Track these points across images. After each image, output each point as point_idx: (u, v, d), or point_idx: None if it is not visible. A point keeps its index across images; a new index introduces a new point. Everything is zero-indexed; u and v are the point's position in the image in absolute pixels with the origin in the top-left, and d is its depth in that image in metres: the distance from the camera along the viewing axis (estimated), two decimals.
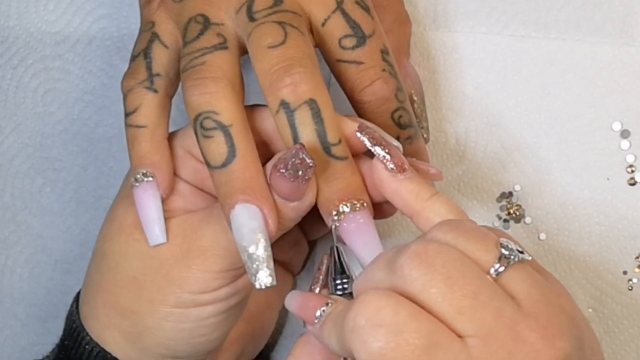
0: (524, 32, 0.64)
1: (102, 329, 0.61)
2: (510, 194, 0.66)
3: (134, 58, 0.60)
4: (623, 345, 0.65)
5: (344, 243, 0.56)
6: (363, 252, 0.56)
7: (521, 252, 0.51)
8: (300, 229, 0.57)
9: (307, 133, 0.55)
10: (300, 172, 0.54)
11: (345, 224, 0.56)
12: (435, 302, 0.49)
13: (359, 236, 0.56)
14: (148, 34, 0.60)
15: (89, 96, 0.72)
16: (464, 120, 0.66)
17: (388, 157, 0.55)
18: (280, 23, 0.56)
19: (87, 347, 0.61)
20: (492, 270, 0.51)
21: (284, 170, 0.54)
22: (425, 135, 0.64)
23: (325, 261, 0.57)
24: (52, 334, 0.64)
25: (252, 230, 0.55)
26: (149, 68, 0.60)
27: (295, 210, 0.56)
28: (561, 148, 0.65)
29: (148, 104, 0.59)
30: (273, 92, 0.55)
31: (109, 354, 0.60)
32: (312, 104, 0.55)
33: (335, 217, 0.56)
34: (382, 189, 0.56)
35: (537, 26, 0.64)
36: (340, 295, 0.55)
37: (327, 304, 0.53)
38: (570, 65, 0.64)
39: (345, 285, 0.56)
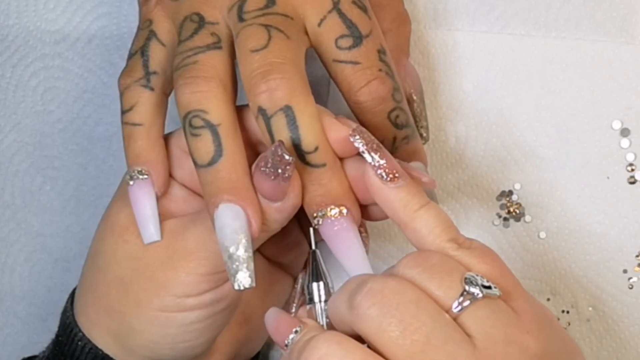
0: (524, 30, 0.64)
1: (91, 327, 0.61)
2: (510, 192, 0.66)
3: (131, 56, 0.60)
4: (623, 343, 0.65)
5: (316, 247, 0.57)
6: (343, 259, 0.56)
7: (488, 287, 0.51)
8: (301, 230, 0.57)
9: (283, 141, 0.55)
10: (279, 170, 0.53)
11: (324, 230, 0.56)
12: (388, 347, 0.49)
13: (337, 242, 0.56)
14: (145, 32, 0.60)
15: (88, 95, 0.72)
16: (464, 118, 0.66)
17: (380, 162, 0.55)
18: (266, 26, 0.56)
19: (79, 343, 0.61)
20: (453, 306, 0.50)
21: (264, 168, 0.54)
22: (425, 135, 0.64)
23: (300, 280, 0.56)
24: (52, 332, 0.64)
25: (234, 231, 0.54)
26: (145, 66, 0.60)
27: (279, 211, 0.56)
28: (561, 146, 0.64)
29: (144, 102, 0.59)
30: (252, 98, 0.55)
31: (100, 350, 0.61)
32: (287, 110, 0.55)
33: (315, 222, 0.56)
34: (373, 195, 0.55)
35: (537, 25, 0.64)
36: (317, 302, 0.55)
37: (295, 331, 0.53)
38: (570, 64, 0.64)
39: (321, 291, 0.55)
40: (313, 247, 0.56)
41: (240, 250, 0.54)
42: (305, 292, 0.56)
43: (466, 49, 0.65)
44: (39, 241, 0.74)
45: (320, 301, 0.55)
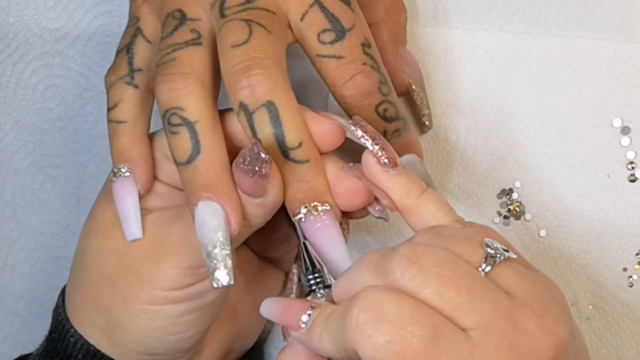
0: (524, 28, 0.64)
1: (81, 324, 0.62)
2: (511, 190, 0.66)
3: (118, 53, 0.61)
4: (624, 342, 0.65)
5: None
6: (325, 255, 0.56)
7: (506, 251, 0.51)
8: (291, 225, 0.57)
9: (265, 137, 0.55)
10: (257, 167, 0.53)
11: (307, 226, 0.56)
12: (432, 301, 0.49)
13: (320, 239, 0.56)
14: (132, 29, 0.61)
15: (88, 93, 0.72)
16: (464, 116, 0.66)
17: (382, 151, 0.55)
18: (247, 21, 0.56)
19: (71, 339, 0.61)
20: (480, 269, 0.51)
21: (242, 166, 0.54)
22: (427, 123, 0.64)
23: (295, 270, 0.56)
24: None
25: (212, 229, 0.54)
26: (130, 63, 0.60)
27: (260, 206, 0.56)
28: (561, 145, 0.64)
29: (128, 99, 0.60)
30: (233, 93, 0.55)
31: (92, 346, 0.61)
32: (270, 106, 0.55)
33: (298, 218, 0.56)
34: (375, 183, 0.55)
35: (537, 23, 0.64)
36: (315, 290, 0.55)
37: (312, 308, 0.52)
38: (570, 62, 0.64)
39: (319, 280, 0.55)
40: (302, 239, 0.56)
41: (218, 249, 0.54)
42: (304, 282, 0.55)
43: (466, 47, 0.65)
44: (40, 240, 0.74)
45: (318, 288, 0.55)
